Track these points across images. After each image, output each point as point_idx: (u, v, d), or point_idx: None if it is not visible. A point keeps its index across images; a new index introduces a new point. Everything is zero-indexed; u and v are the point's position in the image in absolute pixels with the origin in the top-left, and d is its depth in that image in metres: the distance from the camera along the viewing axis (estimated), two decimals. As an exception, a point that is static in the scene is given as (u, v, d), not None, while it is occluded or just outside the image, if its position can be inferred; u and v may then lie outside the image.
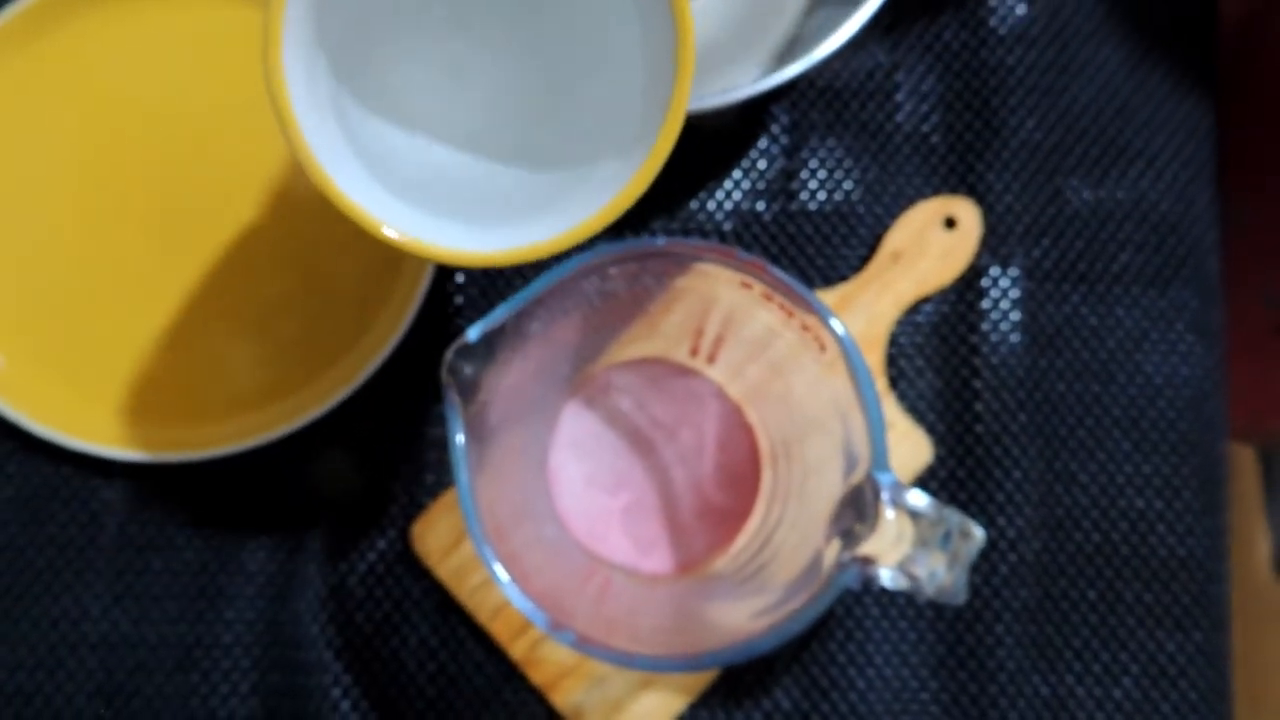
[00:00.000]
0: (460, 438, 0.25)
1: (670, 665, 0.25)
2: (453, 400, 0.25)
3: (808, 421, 0.30)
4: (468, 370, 0.25)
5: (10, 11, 0.35)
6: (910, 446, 0.35)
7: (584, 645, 0.25)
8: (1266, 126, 0.40)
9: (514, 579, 0.25)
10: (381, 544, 0.35)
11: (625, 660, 0.25)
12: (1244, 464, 0.96)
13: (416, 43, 0.25)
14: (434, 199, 0.24)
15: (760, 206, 0.37)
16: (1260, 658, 0.95)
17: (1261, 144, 0.40)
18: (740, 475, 0.34)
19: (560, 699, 0.34)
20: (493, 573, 0.25)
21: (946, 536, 0.25)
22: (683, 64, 0.22)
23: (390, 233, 0.22)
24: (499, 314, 0.26)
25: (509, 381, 0.27)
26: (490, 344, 0.25)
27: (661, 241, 0.26)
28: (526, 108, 0.25)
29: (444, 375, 0.25)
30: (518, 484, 0.32)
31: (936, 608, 0.35)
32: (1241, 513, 0.95)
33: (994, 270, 0.37)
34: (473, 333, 0.25)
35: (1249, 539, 0.95)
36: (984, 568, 0.35)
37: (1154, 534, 0.36)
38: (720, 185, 0.37)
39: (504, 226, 0.23)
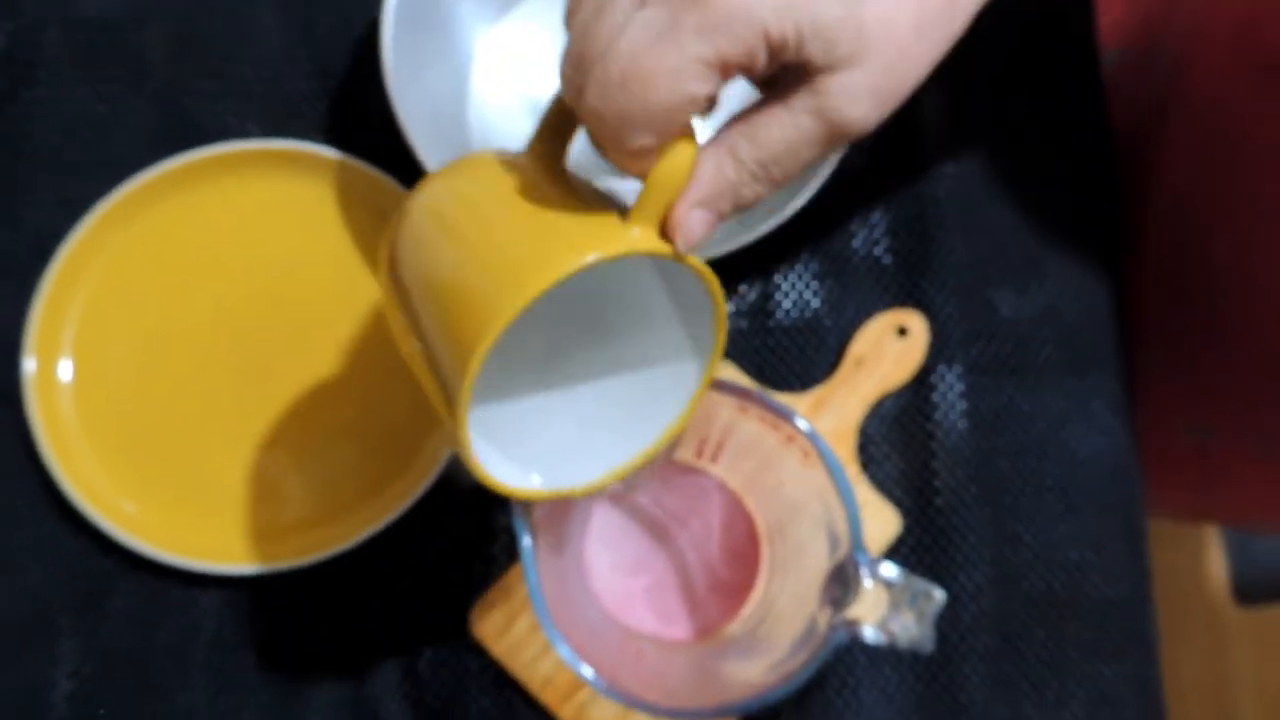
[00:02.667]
0: (528, 541, 0.32)
1: (699, 714, 0.32)
2: (519, 512, 0.32)
3: (795, 507, 0.37)
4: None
5: (123, 189, 0.42)
6: (881, 520, 0.42)
7: (631, 701, 0.32)
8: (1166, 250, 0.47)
9: (574, 653, 0.32)
10: (445, 628, 0.41)
11: (663, 712, 0.32)
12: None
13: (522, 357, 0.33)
14: (533, 454, 0.32)
15: (744, 324, 0.45)
16: (1227, 677, 1.02)
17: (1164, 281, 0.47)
18: (743, 554, 0.41)
19: (605, 753, 0.40)
20: (561, 651, 0.31)
21: (914, 598, 0.32)
22: (718, 346, 0.31)
23: (518, 488, 0.30)
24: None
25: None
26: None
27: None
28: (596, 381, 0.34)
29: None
30: (560, 574, 0.38)
31: (914, 656, 0.42)
32: (1201, 547, 1.02)
33: (941, 368, 0.44)
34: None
35: (1209, 571, 1.03)
36: (950, 617, 0.42)
37: (1088, 581, 0.43)
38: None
39: (586, 461, 0.31)
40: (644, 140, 0.27)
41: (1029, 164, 0.46)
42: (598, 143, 0.28)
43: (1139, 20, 0.52)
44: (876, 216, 0.45)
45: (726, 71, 0.26)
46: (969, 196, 0.46)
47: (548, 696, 0.40)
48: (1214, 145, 0.44)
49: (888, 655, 0.42)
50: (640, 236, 0.27)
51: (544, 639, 0.41)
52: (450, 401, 0.28)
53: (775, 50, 0.26)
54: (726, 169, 0.28)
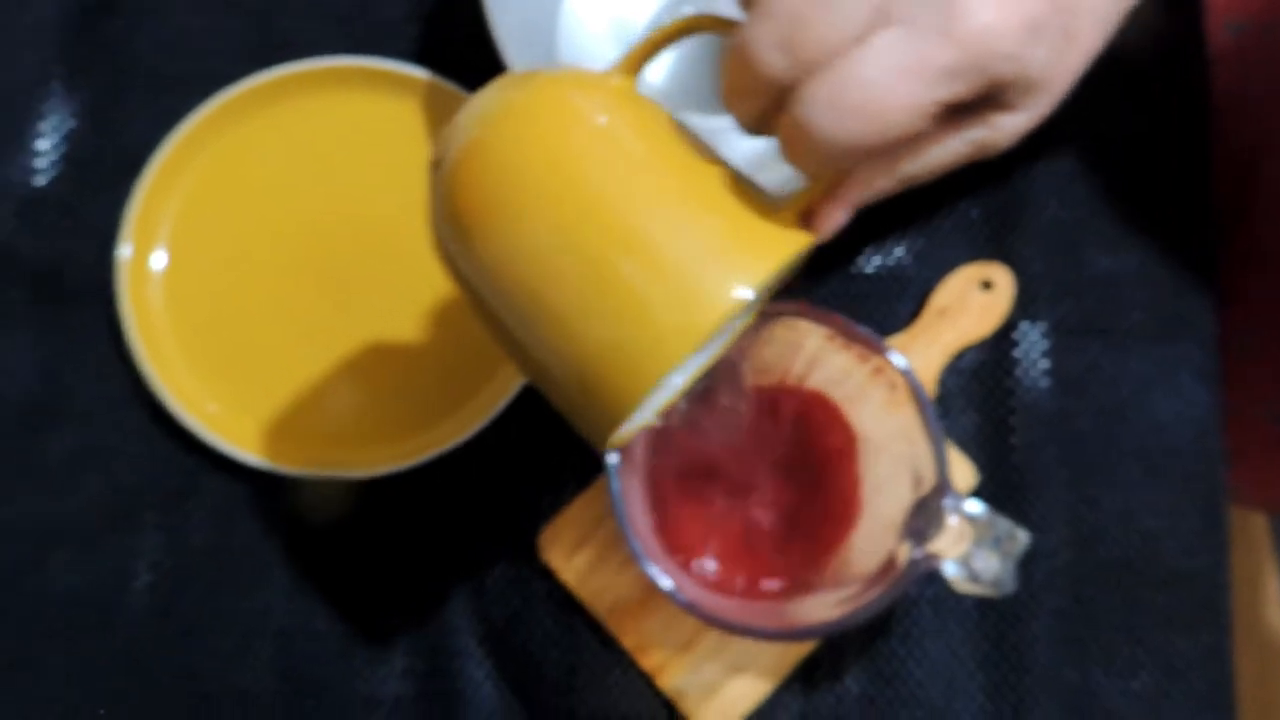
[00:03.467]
0: (615, 466, 0.32)
1: (772, 635, 0.32)
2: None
3: (877, 446, 0.36)
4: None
5: (217, 100, 0.43)
6: (957, 474, 0.42)
7: (708, 617, 0.32)
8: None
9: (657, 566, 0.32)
10: (513, 551, 0.42)
11: (737, 629, 0.32)
12: (1257, 525, 1.01)
13: None
14: None
15: (827, 270, 0.44)
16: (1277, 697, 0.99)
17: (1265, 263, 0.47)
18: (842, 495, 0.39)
19: (665, 682, 0.40)
20: (645, 565, 0.31)
21: (998, 538, 0.31)
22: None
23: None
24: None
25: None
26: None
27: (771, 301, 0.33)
28: None
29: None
30: (641, 506, 0.38)
31: (981, 611, 0.42)
32: (1253, 565, 1.00)
33: (1024, 325, 0.44)
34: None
35: (1262, 588, 1.00)
36: (1021, 576, 0.42)
37: (1164, 549, 0.42)
38: (793, 252, 0.45)
39: None
40: (854, 161, 0.26)
41: (1126, 125, 0.45)
42: (796, 146, 0.27)
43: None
44: (967, 170, 0.45)
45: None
46: (1062, 155, 0.45)
47: (611, 623, 0.41)
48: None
49: (954, 610, 0.42)
50: (800, 233, 0.26)
51: (610, 568, 0.41)
52: (603, 406, 0.22)
53: (983, 93, 0.27)
54: (880, 178, 0.29)
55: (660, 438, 0.38)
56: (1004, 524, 0.31)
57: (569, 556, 0.41)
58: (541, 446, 0.43)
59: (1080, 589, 0.42)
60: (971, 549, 0.31)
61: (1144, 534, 0.42)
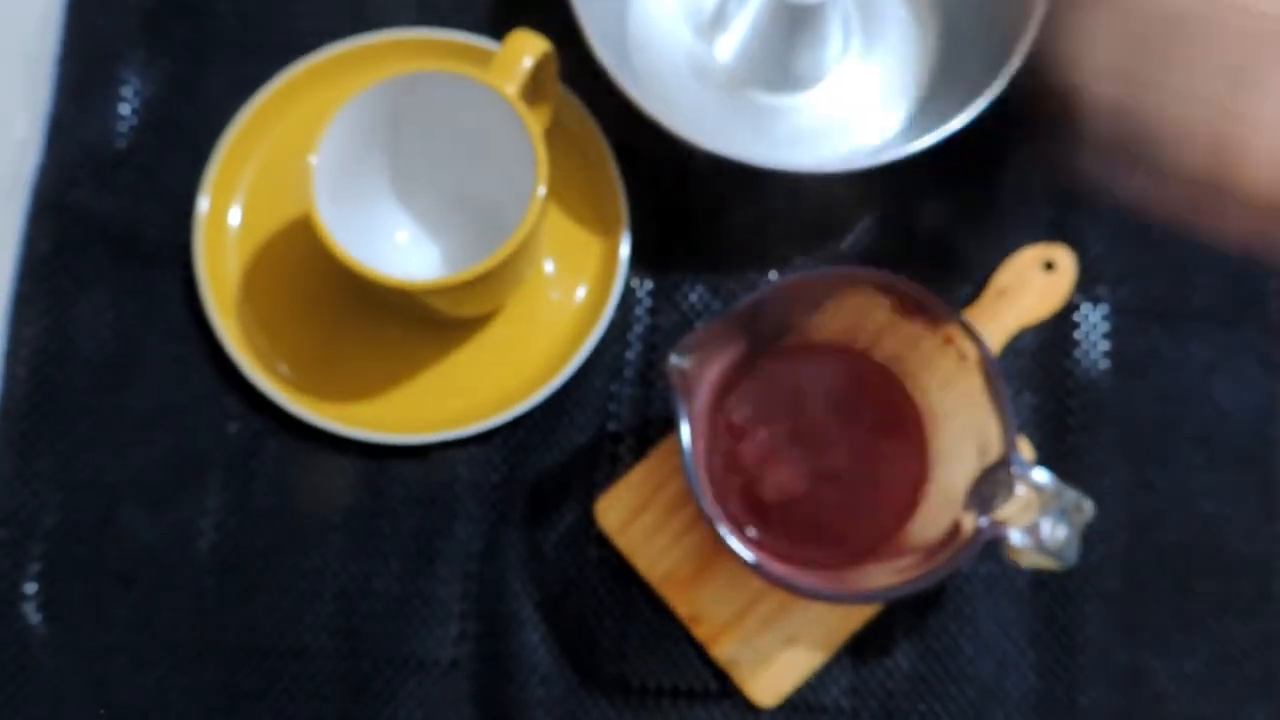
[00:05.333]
0: (686, 427, 0.32)
1: (833, 597, 0.32)
2: (677, 394, 0.32)
3: (940, 416, 0.37)
4: (686, 366, 0.33)
5: (297, 67, 0.44)
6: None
7: (777, 578, 0.32)
8: None
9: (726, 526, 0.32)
10: (569, 519, 0.42)
11: (804, 591, 0.32)
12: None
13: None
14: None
15: (886, 247, 0.44)
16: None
17: None
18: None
19: (718, 651, 0.41)
20: (719, 527, 0.32)
21: (1064, 509, 0.32)
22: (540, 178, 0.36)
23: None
24: (702, 329, 0.33)
25: (700, 380, 0.34)
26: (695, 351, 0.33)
27: (844, 269, 0.33)
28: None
29: (670, 370, 0.32)
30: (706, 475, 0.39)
31: (1034, 589, 0.42)
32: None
33: (1086, 307, 0.44)
34: (688, 339, 0.33)
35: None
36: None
37: (1221, 535, 0.42)
38: (852, 230, 0.45)
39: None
40: None
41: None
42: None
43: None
44: (1032, 147, 0.45)
45: None
46: (1130, 135, 0.45)
47: (665, 592, 0.41)
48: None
49: (1006, 589, 0.42)
50: None
51: (665, 537, 0.41)
52: None
53: None
54: None
55: (723, 411, 0.39)
56: (1071, 494, 0.31)
57: (625, 525, 0.42)
58: (600, 415, 0.43)
59: (1135, 572, 0.42)
60: (1038, 518, 0.31)
61: (1201, 519, 0.42)
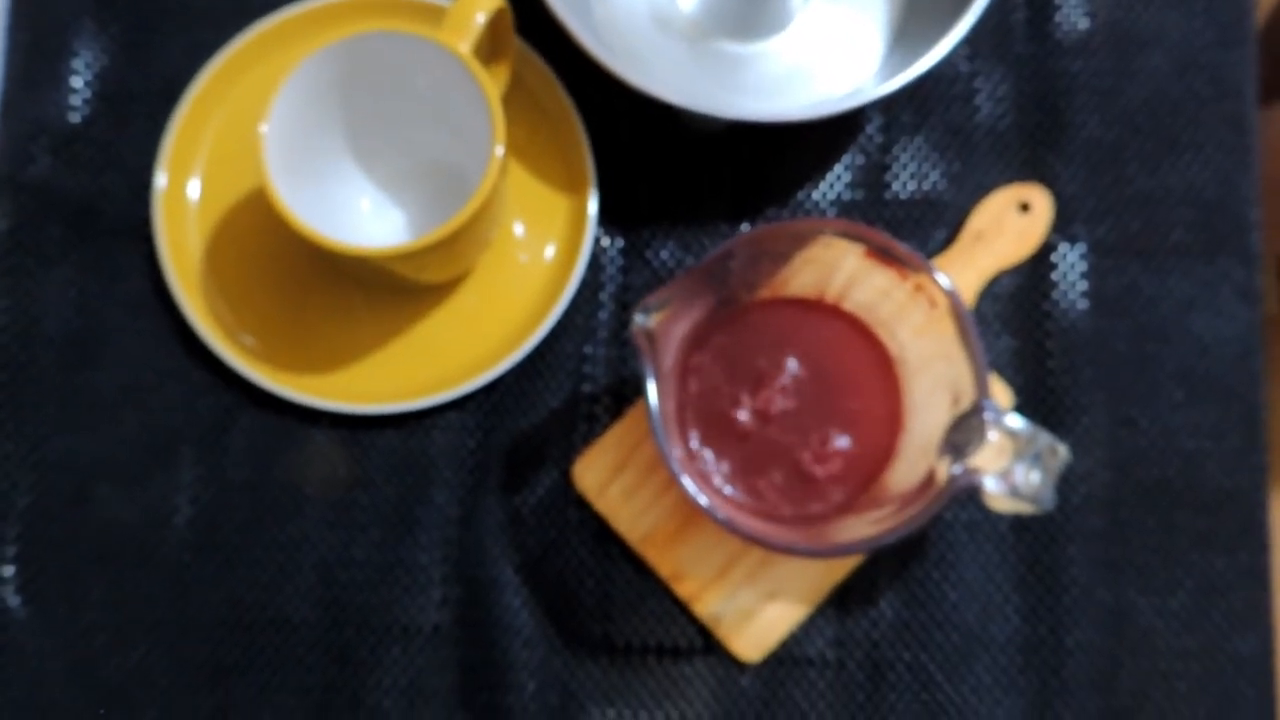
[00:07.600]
0: (652, 385, 0.32)
1: (810, 552, 0.32)
2: (643, 354, 0.32)
3: (913, 365, 0.36)
4: (652, 325, 0.32)
5: (251, 31, 0.43)
6: (995, 396, 0.42)
7: (746, 533, 0.32)
8: None
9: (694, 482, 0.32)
10: (547, 481, 0.42)
11: (775, 546, 0.32)
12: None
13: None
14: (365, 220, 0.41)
15: (859, 195, 0.44)
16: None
17: None
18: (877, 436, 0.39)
19: (700, 609, 0.40)
20: (684, 482, 0.31)
21: (1038, 453, 0.31)
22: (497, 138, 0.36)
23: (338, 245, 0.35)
24: (668, 288, 0.32)
25: (668, 338, 0.34)
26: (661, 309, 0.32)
27: (810, 218, 0.32)
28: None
29: (635, 330, 0.32)
30: (677, 428, 0.38)
31: (1017, 533, 0.42)
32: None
33: (1063, 247, 0.43)
34: (653, 297, 0.32)
35: None
36: (1058, 498, 0.42)
37: (1203, 470, 0.42)
38: (824, 178, 0.44)
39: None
40: None
41: (1169, 38, 0.44)
42: None
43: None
44: (1004, 89, 0.44)
45: None
46: (1102, 70, 0.44)
47: (645, 551, 0.41)
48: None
49: (989, 533, 0.42)
50: None
51: (643, 497, 0.41)
52: None
53: None
54: None
55: (693, 368, 0.38)
56: (1045, 438, 0.31)
57: (603, 487, 0.41)
58: (575, 377, 0.43)
59: (1118, 511, 0.42)
60: (1012, 463, 0.31)
61: (1183, 454, 0.42)
